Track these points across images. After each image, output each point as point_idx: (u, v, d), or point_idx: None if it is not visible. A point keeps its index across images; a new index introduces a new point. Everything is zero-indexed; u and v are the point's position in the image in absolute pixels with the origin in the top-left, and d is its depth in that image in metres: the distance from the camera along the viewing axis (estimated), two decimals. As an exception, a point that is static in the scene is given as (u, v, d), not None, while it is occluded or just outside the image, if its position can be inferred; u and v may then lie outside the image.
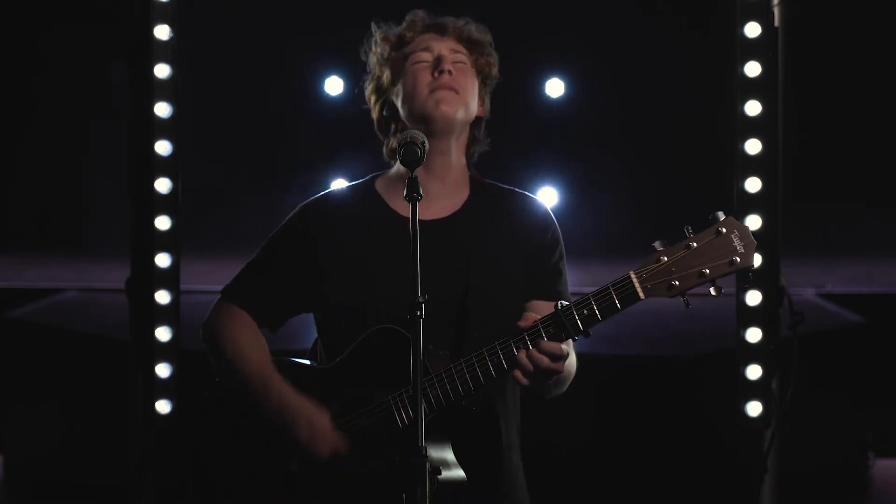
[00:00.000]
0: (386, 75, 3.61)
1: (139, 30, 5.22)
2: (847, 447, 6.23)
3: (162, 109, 5.25)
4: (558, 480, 5.60)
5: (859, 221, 8.44)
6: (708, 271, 3.21)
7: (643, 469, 5.72)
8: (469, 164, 3.65)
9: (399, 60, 3.59)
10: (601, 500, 5.77)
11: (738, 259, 3.20)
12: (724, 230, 3.21)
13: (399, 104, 3.58)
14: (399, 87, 3.57)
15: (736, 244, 3.20)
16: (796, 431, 5.40)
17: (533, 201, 3.65)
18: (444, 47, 3.57)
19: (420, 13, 3.62)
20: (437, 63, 3.54)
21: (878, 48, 8.29)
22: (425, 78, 3.53)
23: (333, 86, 7.17)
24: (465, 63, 3.58)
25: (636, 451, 5.73)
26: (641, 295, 3.23)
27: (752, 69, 5.14)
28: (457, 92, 3.52)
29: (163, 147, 5.26)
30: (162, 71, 5.23)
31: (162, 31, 5.22)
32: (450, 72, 3.52)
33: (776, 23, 5.13)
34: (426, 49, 3.57)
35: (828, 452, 6.09)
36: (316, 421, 3.44)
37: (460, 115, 3.53)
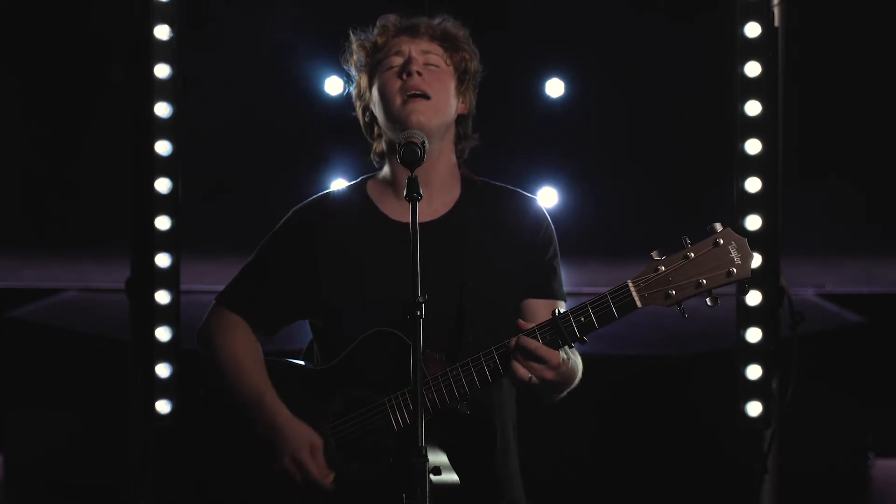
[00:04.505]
0: (363, 81, 3.59)
1: (139, 30, 5.22)
2: (847, 447, 6.23)
3: (162, 109, 5.25)
4: (557, 480, 5.60)
5: (859, 221, 8.44)
6: (705, 282, 3.23)
7: (643, 469, 5.72)
8: (460, 163, 3.64)
9: (374, 66, 3.56)
10: (601, 499, 5.77)
11: (735, 270, 3.22)
12: (721, 241, 3.23)
13: (375, 110, 3.56)
14: (374, 93, 3.55)
15: (733, 255, 3.23)
16: (796, 431, 5.41)
17: (525, 199, 3.62)
18: (415, 48, 3.53)
19: (391, 17, 3.58)
20: (405, 65, 3.50)
21: (880, 47, 8.29)
22: (395, 84, 3.50)
23: (333, 86, 7.18)
24: (438, 64, 3.53)
25: (636, 451, 5.73)
26: (639, 304, 3.26)
27: (752, 69, 5.14)
28: (428, 97, 3.48)
29: (163, 147, 5.26)
30: (162, 71, 5.23)
31: (162, 31, 5.22)
32: (418, 73, 3.48)
33: (776, 23, 5.13)
34: (397, 53, 3.53)
35: (828, 452, 6.09)
36: (300, 452, 3.42)
37: (435, 122, 3.49)
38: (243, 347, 3.56)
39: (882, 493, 6.28)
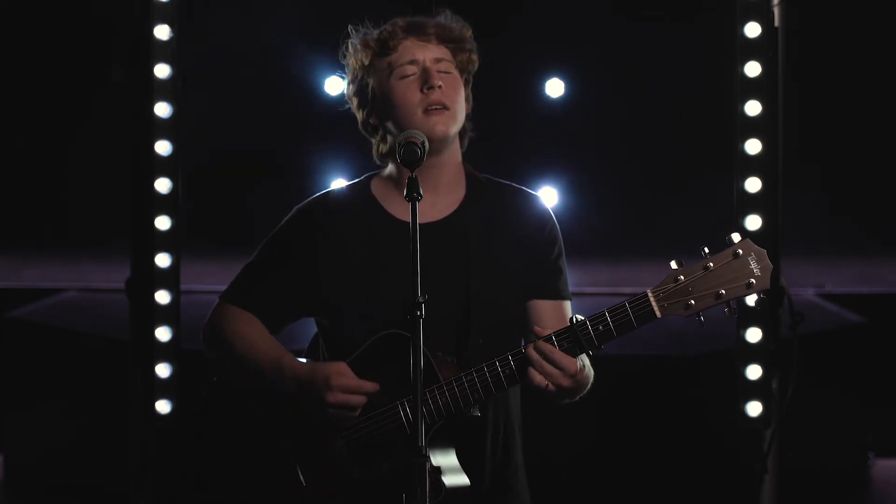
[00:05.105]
0: (371, 84, 3.56)
1: (139, 30, 5.22)
2: (847, 447, 6.23)
3: (162, 109, 5.25)
4: (559, 480, 5.60)
5: (860, 221, 8.44)
6: (724, 292, 3.23)
7: (643, 469, 5.72)
8: (464, 161, 3.63)
9: (383, 70, 3.53)
10: (601, 499, 5.77)
11: (755, 281, 3.22)
12: (741, 252, 3.23)
13: (389, 117, 3.54)
14: (387, 100, 3.52)
15: (753, 267, 3.23)
16: (796, 431, 5.41)
17: (530, 198, 3.62)
18: (429, 57, 3.51)
19: (399, 21, 3.56)
20: (426, 78, 3.49)
21: (879, 47, 8.29)
22: (415, 95, 3.48)
23: (333, 86, 7.18)
24: (449, 71, 3.52)
25: (636, 450, 5.73)
26: (658, 314, 3.25)
27: (752, 69, 5.14)
28: (447, 108, 3.48)
29: (163, 147, 5.26)
30: (162, 71, 5.23)
31: (162, 31, 5.22)
32: (440, 86, 3.48)
33: (776, 23, 5.13)
34: (412, 61, 3.51)
35: (828, 452, 6.09)
36: (335, 375, 3.40)
37: (454, 129, 3.51)
38: (252, 327, 3.57)
39: (882, 493, 6.28)
